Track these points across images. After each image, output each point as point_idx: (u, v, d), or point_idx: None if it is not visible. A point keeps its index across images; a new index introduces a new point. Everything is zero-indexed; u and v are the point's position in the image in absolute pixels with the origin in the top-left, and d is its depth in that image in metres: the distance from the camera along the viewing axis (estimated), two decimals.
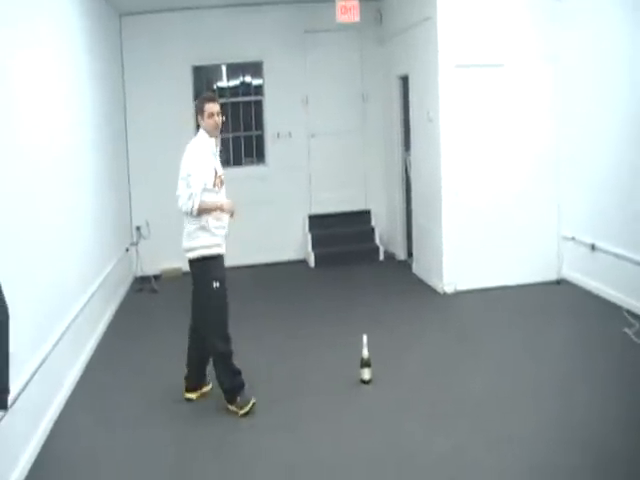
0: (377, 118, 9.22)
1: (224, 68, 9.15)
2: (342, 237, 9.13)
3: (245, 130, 9.27)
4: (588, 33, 6.76)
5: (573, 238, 7.28)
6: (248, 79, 9.22)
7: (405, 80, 8.21)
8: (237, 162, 9.25)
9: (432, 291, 7.37)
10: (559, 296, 7.05)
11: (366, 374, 4.90)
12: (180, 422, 4.57)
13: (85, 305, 5.77)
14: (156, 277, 8.54)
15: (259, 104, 9.14)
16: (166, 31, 8.59)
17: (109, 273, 7.04)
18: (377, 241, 9.26)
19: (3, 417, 3.35)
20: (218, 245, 4.62)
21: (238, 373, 4.61)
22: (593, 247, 6.90)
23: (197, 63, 8.89)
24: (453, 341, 5.87)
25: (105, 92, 7.57)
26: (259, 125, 9.15)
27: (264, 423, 4.47)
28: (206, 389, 4.93)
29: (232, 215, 4.72)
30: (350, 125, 9.19)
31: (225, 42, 8.72)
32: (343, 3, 7.41)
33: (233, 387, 4.59)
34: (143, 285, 8.29)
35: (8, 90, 4.18)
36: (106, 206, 7.33)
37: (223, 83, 9.23)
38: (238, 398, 4.56)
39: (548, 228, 7.40)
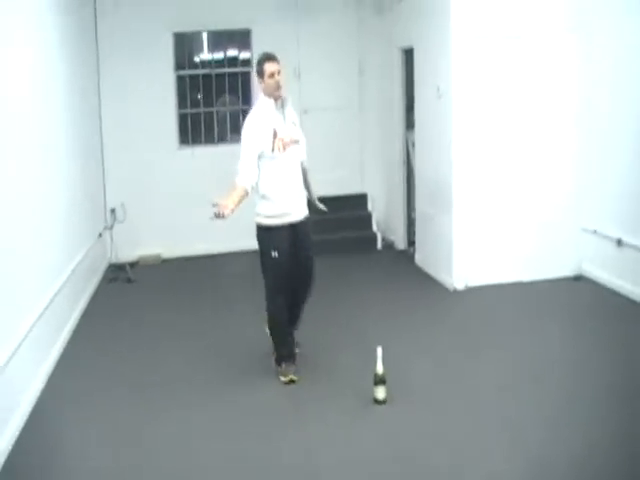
0: (375, 93, 8.46)
1: (208, 36, 8.33)
2: (336, 223, 8.29)
3: (231, 104, 8.46)
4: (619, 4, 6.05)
5: (595, 231, 6.61)
6: (235, 48, 8.40)
7: (409, 52, 7.46)
8: (222, 139, 8.46)
9: (440, 287, 6.67)
10: (581, 294, 6.40)
11: (381, 393, 4.16)
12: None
13: (50, 303, 4.98)
14: (132, 265, 7.78)
15: (247, 76, 8.30)
16: None
17: (79, 262, 6.25)
18: (374, 228, 8.55)
19: None
20: (279, 216, 4.55)
21: (287, 343, 4.76)
22: (619, 242, 6.24)
23: (179, 29, 8.04)
24: (472, 348, 5.17)
25: (77, 63, 6.76)
26: (247, 100, 8.33)
27: None
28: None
29: (292, 143, 4.56)
30: (346, 101, 8.43)
31: (210, 7, 7.86)
32: None
33: (280, 354, 4.73)
34: (117, 274, 7.51)
35: None
36: (77, 186, 6.57)
37: (206, 53, 8.42)
38: (283, 365, 4.68)
39: (567, 219, 6.73)
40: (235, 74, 8.37)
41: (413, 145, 7.64)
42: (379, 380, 4.15)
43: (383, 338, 4.64)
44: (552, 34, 6.43)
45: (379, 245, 8.43)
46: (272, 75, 4.42)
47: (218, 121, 8.48)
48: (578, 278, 6.74)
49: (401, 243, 8.29)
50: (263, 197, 4.51)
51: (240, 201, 4.32)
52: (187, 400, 4.45)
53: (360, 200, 8.68)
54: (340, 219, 8.30)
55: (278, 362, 4.71)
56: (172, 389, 4.63)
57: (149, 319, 6.11)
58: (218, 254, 8.16)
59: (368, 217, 8.58)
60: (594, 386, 4.43)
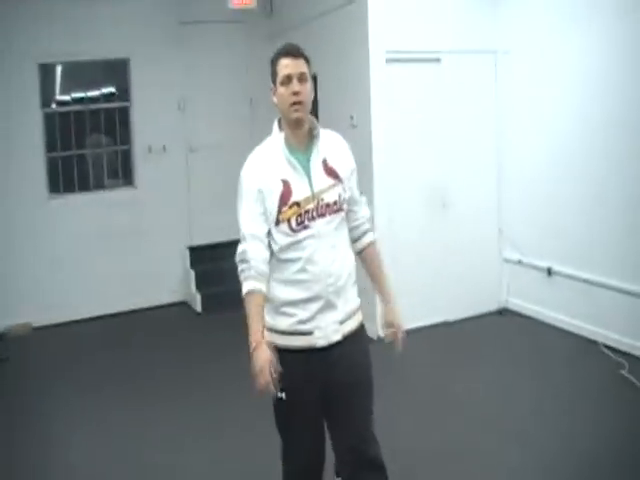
0: (268, 126, 7.76)
1: (80, 67, 7.26)
2: (233, 272, 7.54)
3: (108, 145, 7.47)
4: (539, 24, 5.89)
5: (520, 262, 6.30)
6: (111, 81, 7.43)
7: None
8: (99, 185, 7.43)
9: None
10: (507, 328, 6.15)
11: None
12: None
13: None
14: (1, 337, 6.60)
15: (125, 112, 7.39)
16: (7, 18, 6.66)
17: None
18: None
19: None
20: (294, 333, 2.62)
21: None
22: (549, 271, 5.96)
23: (45, 60, 6.96)
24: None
25: None
26: (125, 138, 7.41)
27: None
28: None
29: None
30: (236, 135, 7.59)
31: (81, 34, 6.88)
32: None
33: None
34: None
35: None
36: None
37: (78, 87, 7.34)
38: None
39: (488, 251, 6.40)
40: (112, 110, 7.42)
41: None
42: None
43: None
44: (470, 56, 6.16)
45: None
46: (288, 80, 2.57)
47: (93, 165, 7.45)
48: (503, 312, 6.46)
49: None
50: (271, 297, 2.64)
51: (263, 317, 2.58)
52: None
53: None
54: (231, 270, 7.52)
55: None
56: None
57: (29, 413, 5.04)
58: (105, 315, 7.14)
59: None
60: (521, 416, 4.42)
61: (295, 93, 2.55)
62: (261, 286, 2.56)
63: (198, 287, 7.39)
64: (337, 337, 2.63)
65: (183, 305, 7.52)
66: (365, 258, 2.87)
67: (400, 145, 5.93)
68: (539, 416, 4.44)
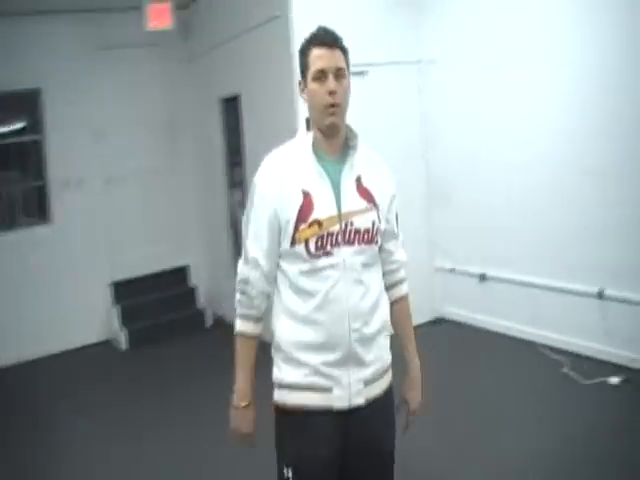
0: (191, 151, 7.66)
1: None
2: (158, 305, 7.31)
3: (21, 180, 7.10)
4: (464, 33, 6.04)
5: (452, 270, 6.38)
6: (21, 113, 7.08)
7: (231, 101, 6.80)
8: (11, 224, 7.00)
9: None
10: (443, 337, 6.11)
11: None
12: None
13: None
14: None
15: (38, 145, 7.03)
16: None
17: None
18: (201, 303, 7.64)
19: None
20: (308, 388, 2.12)
21: None
22: (483, 277, 6.05)
23: None
24: None
25: None
26: (39, 173, 7.05)
27: None
28: None
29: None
30: (157, 163, 7.43)
31: None
32: (153, 6, 5.91)
33: None
34: None
35: None
36: None
37: None
38: None
39: (420, 261, 6.42)
40: (23, 144, 7.07)
41: (242, 205, 6.92)
42: None
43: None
44: (395, 67, 6.22)
45: (209, 322, 7.51)
46: (322, 75, 2.10)
47: (9, 203, 7.05)
48: (438, 321, 6.50)
49: (232, 316, 7.42)
50: (274, 340, 2.20)
51: (253, 367, 2.23)
52: None
53: (181, 274, 7.72)
54: (160, 299, 7.35)
55: None
56: None
57: None
58: (24, 363, 6.65)
59: (191, 292, 7.65)
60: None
61: (331, 93, 2.09)
62: (259, 330, 2.21)
63: (124, 323, 7.09)
64: (359, 401, 2.13)
65: (106, 343, 7.16)
66: (394, 314, 2.36)
67: None
68: (485, 420, 4.45)
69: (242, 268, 2.20)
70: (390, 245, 2.29)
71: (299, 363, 2.10)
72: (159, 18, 5.94)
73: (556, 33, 5.25)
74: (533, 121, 5.49)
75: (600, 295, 5.08)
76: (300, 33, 5.41)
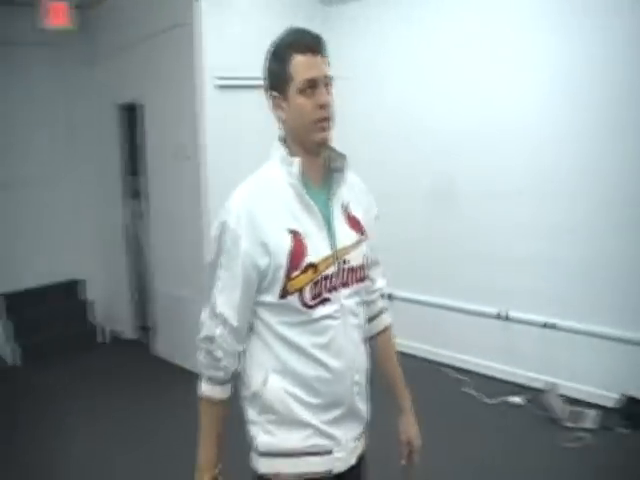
0: (86, 160, 7.14)
1: None
2: (42, 321, 6.77)
3: None
4: (379, 49, 5.96)
5: None
6: None
7: (131, 109, 6.43)
8: None
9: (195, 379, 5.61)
10: None
11: None
12: None
13: None
14: None
15: None
16: None
17: None
18: (95, 319, 7.18)
19: None
20: (302, 454, 1.84)
21: None
22: (390, 297, 5.97)
23: None
24: None
25: None
26: None
27: None
28: None
29: None
30: (55, 170, 6.91)
31: None
32: (51, 3, 5.53)
33: None
34: None
35: None
36: None
37: None
38: None
39: None
40: None
41: (141, 217, 6.60)
42: None
43: None
44: None
45: (105, 337, 7.09)
46: (312, 86, 1.80)
47: None
48: None
49: (130, 332, 7.09)
50: (257, 400, 1.87)
51: (220, 435, 1.92)
52: None
53: (72, 287, 7.22)
54: (48, 314, 6.83)
55: None
56: None
57: None
58: None
59: (83, 306, 7.17)
60: None
61: (323, 106, 1.78)
62: (227, 393, 1.90)
63: (15, 338, 6.59)
64: (354, 460, 1.91)
65: None
66: (378, 346, 2.11)
67: (234, 176, 5.67)
68: (382, 437, 4.30)
69: (207, 322, 1.85)
70: (373, 273, 2.05)
71: (300, 425, 1.81)
72: (56, 17, 5.53)
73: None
74: (453, 138, 5.47)
75: (498, 316, 5.19)
76: (206, 42, 5.23)
